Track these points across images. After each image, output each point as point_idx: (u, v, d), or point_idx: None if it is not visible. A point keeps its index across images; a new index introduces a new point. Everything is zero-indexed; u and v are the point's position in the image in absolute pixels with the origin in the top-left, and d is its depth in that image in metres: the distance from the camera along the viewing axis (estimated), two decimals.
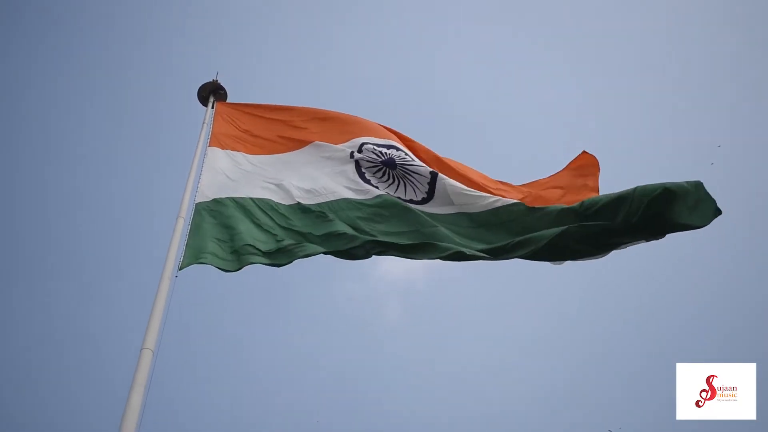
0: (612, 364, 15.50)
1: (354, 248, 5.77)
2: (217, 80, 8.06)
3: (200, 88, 8.03)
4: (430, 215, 6.17)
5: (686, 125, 20.16)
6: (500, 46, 22.97)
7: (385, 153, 6.86)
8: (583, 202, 5.70)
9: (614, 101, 21.25)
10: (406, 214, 6.12)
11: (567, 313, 16.11)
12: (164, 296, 4.92)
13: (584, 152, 6.66)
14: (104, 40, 20.57)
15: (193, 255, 5.45)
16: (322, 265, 5.71)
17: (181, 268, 5.26)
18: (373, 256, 5.86)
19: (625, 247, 5.53)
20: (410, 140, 7.31)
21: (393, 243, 5.78)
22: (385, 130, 7.38)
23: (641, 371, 14.84)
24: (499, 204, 6.15)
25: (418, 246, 5.73)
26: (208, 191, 6.28)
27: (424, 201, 6.47)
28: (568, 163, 6.77)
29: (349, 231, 5.85)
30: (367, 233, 5.86)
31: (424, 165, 6.81)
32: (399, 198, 6.41)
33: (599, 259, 5.67)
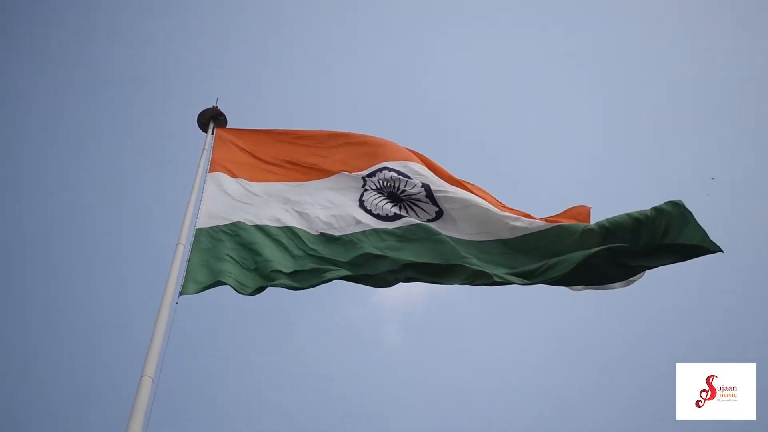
0: (612, 364, 15.43)
1: (382, 273, 5.71)
2: (217, 106, 8.13)
3: (200, 114, 8.08)
4: (455, 240, 6.05)
5: (688, 138, 20.03)
6: (500, 55, 22.93)
7: (395, 178, 6.82)
8: (601, 223, 5.70)
9: (616, 109, 21.15)
10: (432, 242, 5.95)
11: (567, 318, 15.98)
12: (164, 323, 4.92)
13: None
14: (104, 65, 20.85)
15: (210, 275, 5.45)
16: (323, 290, 5.71)
17: (198, 291, 5.28)
18: (400, 282, 5.76)
19: (650, 269, 5.55)
20: (427, 159, 7.25)
21: (423, 266, 5.69)
22: (401, 150, 7.31)
23: (641, 371, 14.78)
24: (523, 227, 6.08)
25: (448, 269, 5.64)
26: (224, 214, 6.32)
27: (436, 217, 6.49)
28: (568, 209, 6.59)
29: (379, 253, 5.81)
30: (395, 259, 5.76)
31: (418, 182, 6.78)
32: (425, 222, 6.34)
33: (623, 287, 5.70)
